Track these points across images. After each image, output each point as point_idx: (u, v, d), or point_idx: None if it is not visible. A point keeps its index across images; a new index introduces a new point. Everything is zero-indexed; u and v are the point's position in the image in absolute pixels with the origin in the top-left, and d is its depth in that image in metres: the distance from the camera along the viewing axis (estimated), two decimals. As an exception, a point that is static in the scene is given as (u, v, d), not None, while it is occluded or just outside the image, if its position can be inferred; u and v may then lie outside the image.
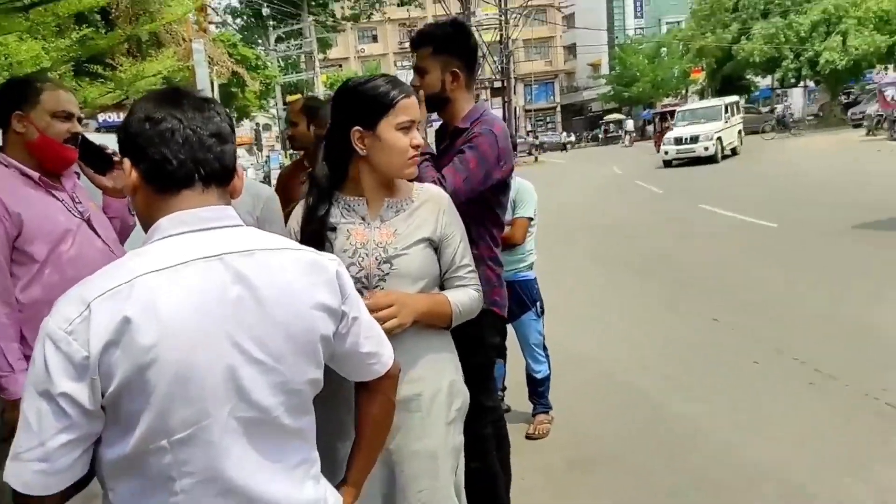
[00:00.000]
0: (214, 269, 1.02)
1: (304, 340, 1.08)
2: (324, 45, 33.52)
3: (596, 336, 5.23)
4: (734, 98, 24.37)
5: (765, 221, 9.30)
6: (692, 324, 5.28)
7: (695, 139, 19.71)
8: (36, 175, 1.98)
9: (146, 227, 1.10)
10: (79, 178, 2.17)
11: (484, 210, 2.15)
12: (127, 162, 1.09)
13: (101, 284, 0.98)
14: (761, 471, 3.02)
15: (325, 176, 1.72)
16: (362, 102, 1.65)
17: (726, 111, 21.41)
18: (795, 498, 2.81)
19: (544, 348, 3.67)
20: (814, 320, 5.01)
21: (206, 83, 11.75)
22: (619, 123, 40.62)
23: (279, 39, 30.86)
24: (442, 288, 1.77)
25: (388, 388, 1.31)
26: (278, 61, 28.07)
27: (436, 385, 1.71)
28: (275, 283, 1.06)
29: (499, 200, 2.22)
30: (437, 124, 2.43)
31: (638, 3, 51.48)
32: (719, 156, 19.89)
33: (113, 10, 8.84)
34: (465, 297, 1.74)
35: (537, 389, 3.62)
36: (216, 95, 12.78)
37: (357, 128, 1.64)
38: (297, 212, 1.77)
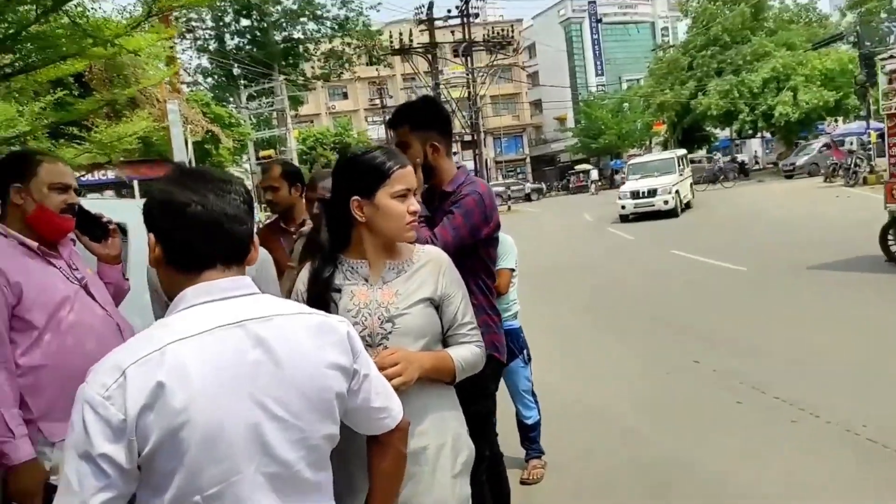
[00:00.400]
0: (236, 335, 1.10)
1: (319, 398, 1.15)
2: (295, 102, 34.10)
3: (582, 381, 5.27)
4: (682, 151, 24.04)
5: (735, 265, 9.58)
6: (674, 366, 5.36)
7: (653, 192, 18.89)
8: (34, 245, 2.01)
9: (170, 296, 1.18)
10: (74, 244, 2.21)
11: (477, 262, 2.28)
12: (152, 237, 1.16)
13: (134, 352, 1.04)
14: (747, 500, 3.05)
15: (328, 241, 1.82)
16: (360, 173, 1.75)
17: (679, 164, 20.67)
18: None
19: (533, 394, 3.70)
20: (791, 360, 5.14)
21: (180, 142, 11.87)
22: (587, 173, 41.74)
23: (251, 97, 31.30)
24: (445, 345, 1.82)
25: (399, 440, 1.36)
26: (250, 118, 28.39)
27: (441, 438, 1.74)
28: (291, 345, 1.13)
29: (489, 253, 2.36)
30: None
31: (598, 62, 53.73)
32: (679, 209, 19.00)
33: (87, 74, 8.95)
34: (467, 353, 1.80)
35: (529, 435, 3.64)
36: (191, 153, 12.86)
37: (356, 197, 1.74)
38: (304, 274, 1.86)
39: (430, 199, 2.41)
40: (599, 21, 53.55)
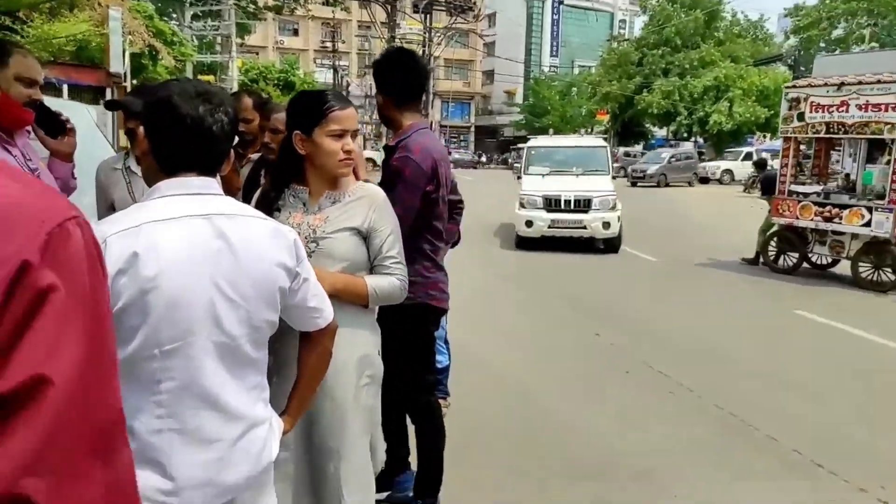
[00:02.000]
0: (203, 225, 1.31)
1: (266, 288, 1.37)
2: (242, 29, 32.61)
3: (492, 340, 5.64)
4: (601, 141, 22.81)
5: (647, 255, 10.23)
6: (577, 337, 5.81)
7: (583, 205, 10.43)
8: None
9: (148, 182, 1.41)
10: (29, 135, 2.27)
11: (419, 220, 2.51)
12: (142, 130, 1.37)
13: (115, 225, 1.25)
14: (619, 458, 3.49)
15: (277, 168, 2.06)
16: (303, 110, 1.98)
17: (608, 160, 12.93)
18: (646, 481, 3.29)
19: (446, 342, 3.99)
20: (679, 340, 5.68)
21: (118, 51, 11.30)
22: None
23: (195, 17, 29.74)
24: (371, 273, 2.05)
25: (327, 338, 1.60)
26: (193, 39, 27.07)
27: (348, 353, 1.96)
28: (247, 241, 1.34)
29: (433, 211, 2.57)
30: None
31: (554, 43, 54.16)
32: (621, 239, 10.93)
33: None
34: (384, 282, 2.03)
35: (437, 377, 3.93)
36: (127, 64, 12.27)
37: (297, 132, 1.95)
38: (257, 194, 2.10)
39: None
40: (562, 2, 53.84)
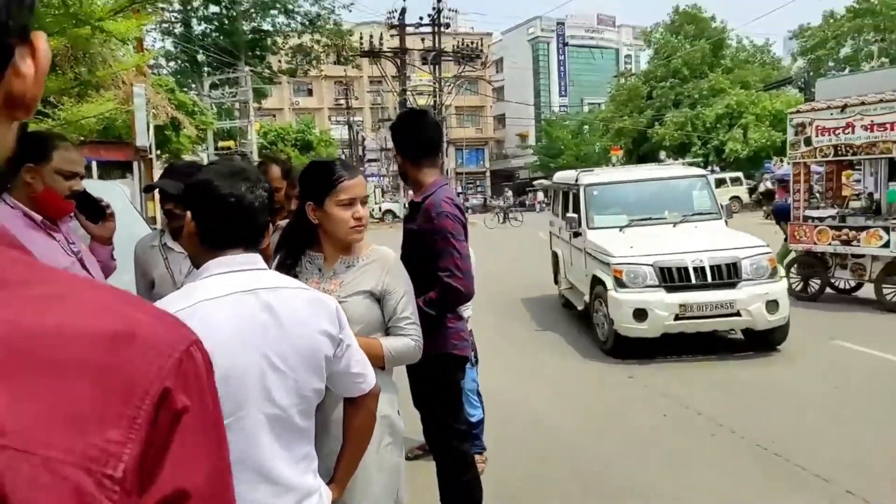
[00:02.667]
0: (249, 301, 1.37)
1: (312, 357, 1.42)
2: (259, 94, 33.74)
3: (525, 386, 5.58)
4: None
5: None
6: (611, 379, 5.73)
7: (730, 272, 6.32)
8: (39, 218, 2.20)
9: (195, 263, 1.48)
10: (71, 219, 2.39)
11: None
12: (188, 214, 1.44)
13: (172, 305, 1.31)
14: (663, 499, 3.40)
15: (292, 236, 2.17)
16: (313, 181, 2.07)
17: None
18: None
19: (478, 394, 3.98)
20: (717, 381, 5.57)
21: (143, 126, 11.77)
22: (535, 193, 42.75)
23: (214, 86, 30.86)
24: (387, 335, 2.09)
25: (370, 403, 1.64)
26: (212, 107, 28.03)
27: None
28: (292, 312, 1.40)
29: None
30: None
31: (562, 83, 55.08)
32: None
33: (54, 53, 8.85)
34: (399, 343, 2.06)
35: (472, 432, 3.90)
36: (152, 137, 12.73)
37: (309, 202, 2.05)
38: (275, 262, 2.19)
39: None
40: (566, 44, 54.92)
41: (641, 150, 37.60)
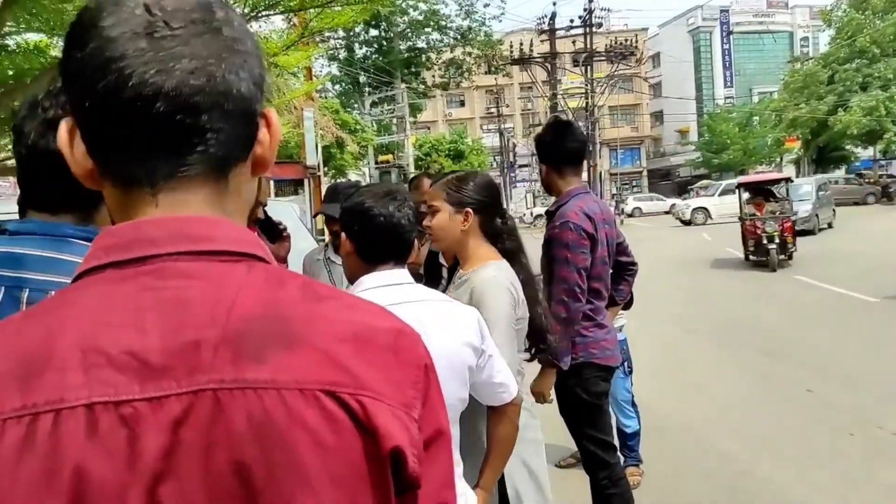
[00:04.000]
0: (399, 313, 1.42)
1: (457, 367, 1.49)
2: (414, 109, 35.26)
3: (686, 399, 5.30)
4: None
5: (863, 295, 9.02)
6: (785, 393, 5.26)
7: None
8: None
9: (351, 280, 1.61)
10: None
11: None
12: (344, 235, 1.59)
13: None
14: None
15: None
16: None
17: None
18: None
19: (633, 405, 3.85)
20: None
21: (312, 146, 12.83)
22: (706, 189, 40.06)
23: (373, 104, 32.76)
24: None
25: (513, 413, 1.69)
26: (372, 124, 29.79)
27: None
28: (439, 324, 1.48)
29: (591, 272, 2.66)
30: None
31: (727, 74, 51.33)
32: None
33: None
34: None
35: (627, 443, 3.79)
36: (320, 156, 13.82)
37: None
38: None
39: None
40: (731, 31, 51.16)
41: (821, 141, 33.92)
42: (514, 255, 2.02)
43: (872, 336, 6.97)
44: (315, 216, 4.39)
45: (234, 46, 0.59)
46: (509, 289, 1.89)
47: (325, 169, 16.33)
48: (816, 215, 17.97)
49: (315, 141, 13.15)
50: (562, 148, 2.76)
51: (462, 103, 55.82)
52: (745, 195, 13.69)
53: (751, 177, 18.84)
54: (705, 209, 26.51)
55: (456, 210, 1.94)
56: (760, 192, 13.50)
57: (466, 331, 1.51)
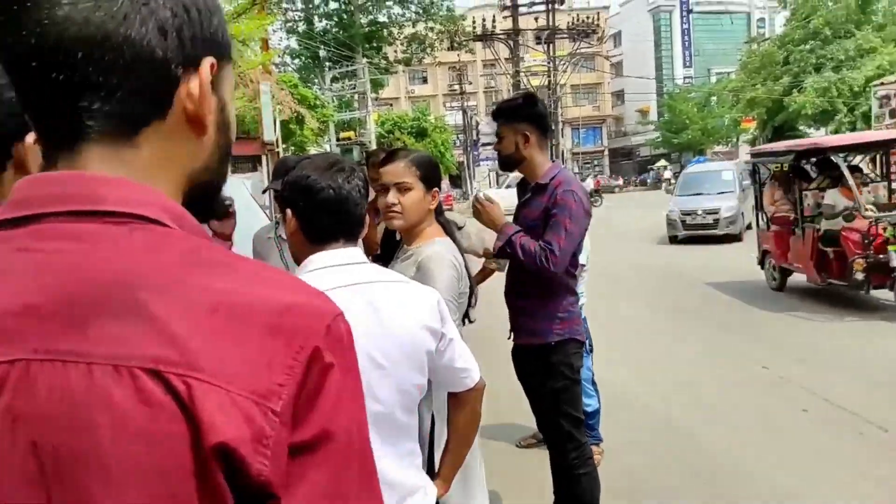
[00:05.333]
0: (350, 296, 1.34)
1: (413, 352, 1.38)
2: (376, 85, 34.71)
3: (645, 377, 5.34)
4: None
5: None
6: (741, 370, 5.34)
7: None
8: None
9: (297, 260, 1.47)
10: None
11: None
12: (289, 212, 1.44)
13: None
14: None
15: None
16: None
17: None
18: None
19: (593, 383, 3.84)
20: (860, 372, 5.02)
21: (270, 121, 12.46)
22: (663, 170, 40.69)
23: (334, 79, 32.13)
24: None
25: (475, 399, 1.59)
26: (333, 100, 29.23)
27: None
28: (392, 307, 1.37)
29: (578, 246, 2.61)
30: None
31: (686, 54, 51.90)
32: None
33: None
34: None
35: (588, 422, 3.75)
36: (278, 132, 13.46)
37: None
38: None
39: (522, 191, 2.68)
40: (690, 11, 51.64)
41: (776, 121, 34.67)
42: (449, 230, 2.06)
43: (821, 315, 7.15)
44: (264, 192, 4.21)
45: None
46: (454, 263, 1.92)
47: (285, 146, 15.92)
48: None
49: (273, 116, 12.80)
50: (545, 119, 2.63)
51: (425, 80, 55.21)
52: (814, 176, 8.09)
53: (834, 139, 9.92)
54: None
55: (426, 188, 1.96)
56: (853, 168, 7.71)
57: (425, 313, 1.41)
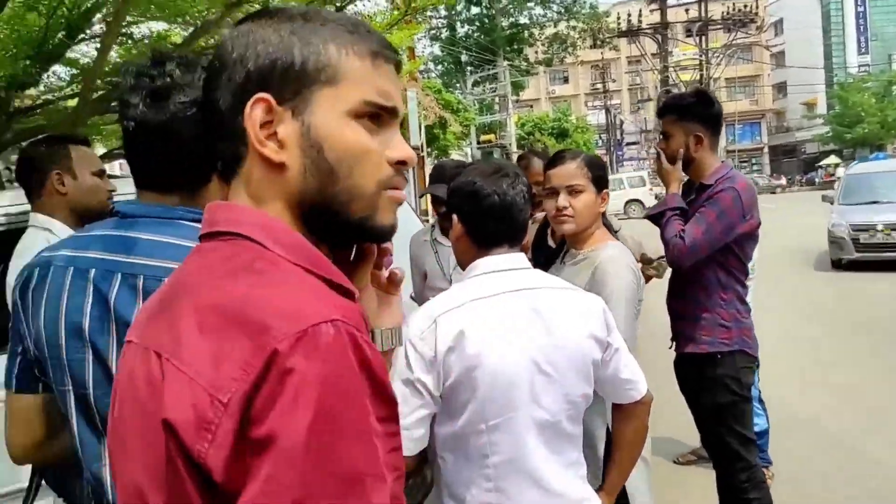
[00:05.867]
0: (516, 301, 1.34)
1: (580, 362, 1.35)
2: (517, 87, 34.76)
3: (817, 395, 4.83)
4: None
5: None
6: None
7: None
8: None
9: (461, 265, 1.48)
10: None
11: (730, 257, 2.36)
12: (455, 217, 1.45)
13: (443, 305, 1.33)
14: None
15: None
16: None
17: None
18: None
19: (760, 401, 3.53)
20: None
21: (415, 127, 12.90)
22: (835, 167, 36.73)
23: (475, 83, 32.64)
24: None
25: (642, 413, 1.52)
26: (474, 104, 29.67)
27: None
28: (559, 314, 1.35)
29: (745, 251, 2.40)
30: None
31: (862, 39, 46.58)
32: None
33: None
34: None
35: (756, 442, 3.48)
36: (422, 137, 13.90)
37: None
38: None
39: (688, 192, 2.52)
40: (867, -10, 46.33)
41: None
42: (614, 235, 2.03)
43: None
44: (420, 196, 4.30)
45: None
46: (632, 267, 1.85)
47: (429, 149, 16.42)
48: None
49: (419, 122, 13.23)
50: (717, 115, 2.43)
51: (566, 80, 54.38)
52: None
53: None
54: None
55: (597, 191, 1.91)
56: None
57: (591, 322, 1.37)
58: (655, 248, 2.70)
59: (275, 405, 0.52)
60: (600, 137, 43.65)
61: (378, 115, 0.68)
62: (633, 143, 43.99)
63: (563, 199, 1.88)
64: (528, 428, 1.30)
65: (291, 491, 0.52)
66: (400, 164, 0.69)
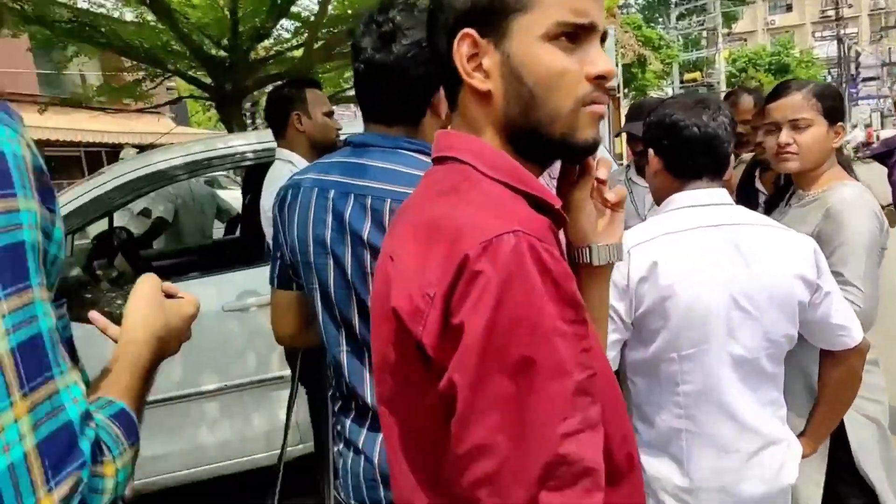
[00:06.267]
0: (714, 236, 1.32)
1: (783, 301, 1.30)
2: (728, 19, 31.47)
3: None
4: None
5: None
6: None
7: None
8: None
9: (658, 200, 1.47)
10: None
11: None
12: (651, 151, 1.43)
13: (636, 238, 1.34)
14: None
15: None
16: None
17: None
18: None
19: None
20: None
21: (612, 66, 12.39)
22: None
23: (680, 16, 30.11)
24: None
25: (855, 360, 1.43)
26: (678, 39, 27.45)
27: None
28: (760, 251, 1.31)
29: None
30: None
31: None
32: None
33: None
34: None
35: None
36: (619, 77, 13.29)
37: None
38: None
39: None
40: None
41: None
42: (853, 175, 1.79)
43: None
44: (616, 136, 4.19)
45: None
46: (875, 211, 1.66)
47: (626, 90, 15.63)
48: None
49: (616, 60, 12.64)
50: None
51: (789, 7, 47.84)
52: None
53: None
54: None
55: (829, 125, 1.71)
56: None
57: (797, 261, 1.31)
58: (884, 193, 2.40)
59: (466, 300, 0.63)
60: (829, 73, 38.10)
61: (574, 34, 0.70)
62: (872, 79, 37.72)
63: (785, 135, 1.72)
64: (723, 361, 1.29)
65: (470, 371, 0.63)
66: (599, 79, 0.72)
